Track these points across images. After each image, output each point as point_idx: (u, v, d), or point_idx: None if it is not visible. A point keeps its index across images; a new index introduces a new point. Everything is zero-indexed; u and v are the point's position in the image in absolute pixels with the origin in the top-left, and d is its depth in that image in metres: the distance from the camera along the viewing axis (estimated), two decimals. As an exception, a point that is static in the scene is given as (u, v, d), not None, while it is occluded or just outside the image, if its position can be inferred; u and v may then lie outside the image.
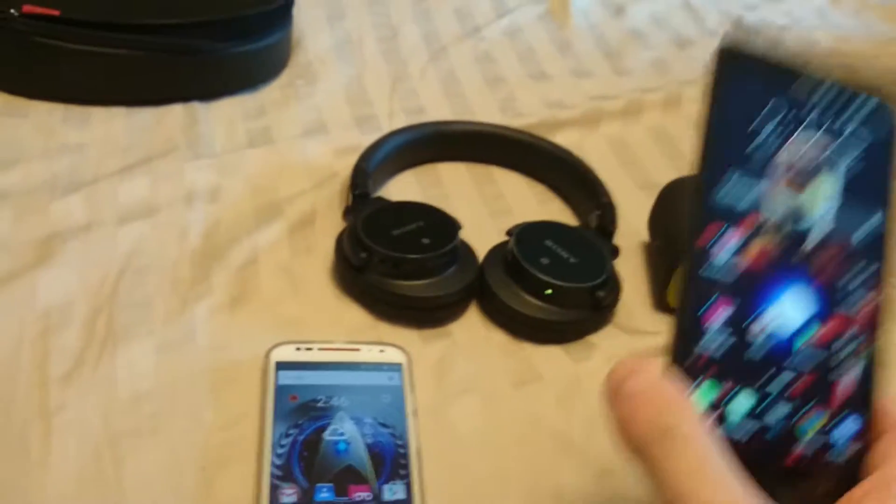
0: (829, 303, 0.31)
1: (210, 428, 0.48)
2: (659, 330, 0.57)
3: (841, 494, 0.29)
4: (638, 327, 0.57)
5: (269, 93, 0.73)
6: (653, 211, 0.61)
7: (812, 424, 0.30)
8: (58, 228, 0.58)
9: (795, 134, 0.32)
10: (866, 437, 0.30)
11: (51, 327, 0.51)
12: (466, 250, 0.57)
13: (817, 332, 0.30)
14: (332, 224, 0.60)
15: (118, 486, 0.44)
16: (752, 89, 0.32)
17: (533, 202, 0.66)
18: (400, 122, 0.71)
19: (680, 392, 0.28)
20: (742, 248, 0.30)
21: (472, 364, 0.54)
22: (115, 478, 0.45)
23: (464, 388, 0.52)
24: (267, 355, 0.50)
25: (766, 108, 0.32)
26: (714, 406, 0.29)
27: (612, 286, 0.56)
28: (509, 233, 0.57)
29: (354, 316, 0.55)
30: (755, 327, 0.30)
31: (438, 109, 0.74)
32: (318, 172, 0.65)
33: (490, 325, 0.56)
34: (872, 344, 0.31)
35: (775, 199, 0.31)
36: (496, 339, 0.55)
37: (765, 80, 0.32)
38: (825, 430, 0.30)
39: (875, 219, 0.32)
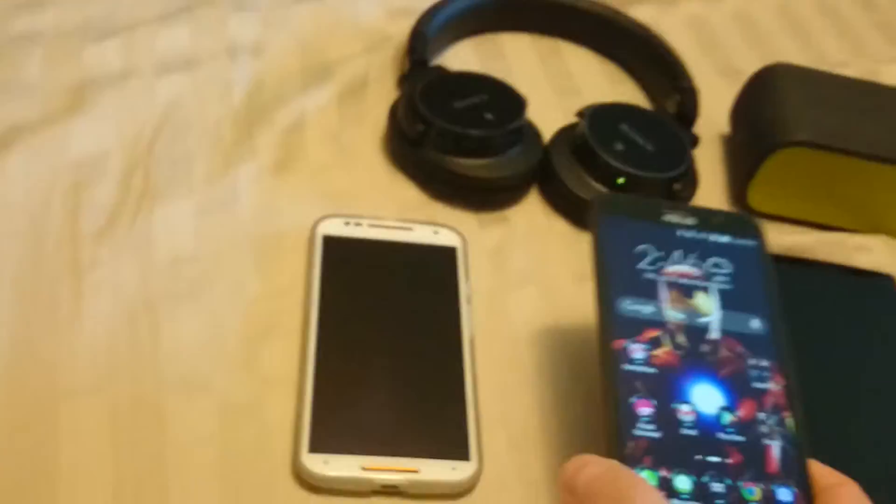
0: (740, 391, 0.34)
1: (254, 297, 0.45)
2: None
3: None
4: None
5: (321, -57, 0.67)
6: (737, 101, 0.56)
7: (752, 494, 0.32)
8: (92, 75, 0.54)
9: (670, 262, 0.36)
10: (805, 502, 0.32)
11: (83, 180, 0.48)
12: (531, 130, 0.53)
13: (736, 417, 0.33)
14: (385, 92, 0.56)
15: (153, 352, 0.42)
16: (627, 230, 0.37)
17: (604, 82, 0.61)
18: (462, -15, 0.65)
19: (637, 488, 0.29)
20: (651, 355, 0.34)
21: (531, 253, 0.50)
22: (150, 343, 0.42)
23: (521, 278, 0.49)
24: (314, 227, 0.47)
25: (642, 246, 0.37)
26: (661, 487, 0.32)
27: (690, 179, 0.51)
28: (580, 114, 0.52)
29: (407, 193, 0.51)
30: (681, 419, 0.33)
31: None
32: (371, 35, 0.60)
33: (551, 212, 0.52)
34: (787, 424, 0.33)
35: (667, 314, 0.35)
36: (558, 227, 0.51)
37: (635, 222, 0.37)
38: (768, 498, 0.32)
39: (755, 322, 0.36)
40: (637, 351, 0.34)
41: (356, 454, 0.39)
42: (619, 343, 0.34)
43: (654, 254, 0.36)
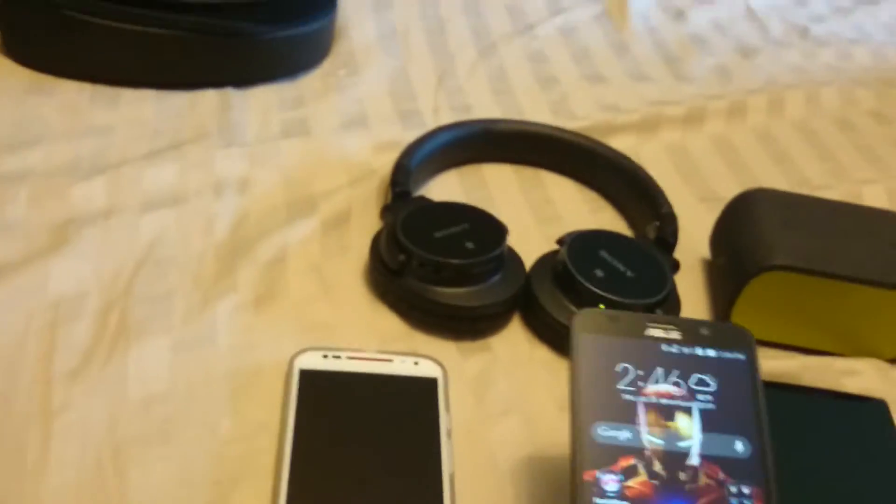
0: None
1: (226, 438, 0.43)
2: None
3: None
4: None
5: (308, 82, 0.69)
6: (717, 226, 0.56)
7: None
8: (76, 213, 0.54)
9: (650, 381, 0.35)
10: None
11: (60, 319, 0.48)
12: (513, 258, 0.53)
13: None
14: (368, 223, 0.56)
15: (120, 499, 0.40)
16: (606, 348, 0.35)
17: (584, 210, 0.61)
18: (445, 118, 0.66)
19: None
20: (624, 486, 0.33)
21: (514, 382, 0.49)
22: (117, 490, 0.41)
23: (504, 408, 0.47)
24: (291, 362, 0.46)
25: (622, 364, 0.35)
26: None
27: (672, 304, 0.51)
28: (560, 241, 0.53)
29: (388, 323, 0.51)
30: None
31: (486, 108, 0.70)
32: (356, 168, 0.61)
33: (534, 340, 0.51)
34: None
35: (644, 439, 0.34)
36: (540, 355, 0.51)
37: (616, 339, 0.36)
38: None
39: (739, 445, 0.34)
40: (610, 482, 0.33)
41: None
42: (591, 474, 0.33)
43: (634, 373, 0.35)
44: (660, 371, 0.35)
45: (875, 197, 0.66)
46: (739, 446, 0.34)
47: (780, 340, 0.52)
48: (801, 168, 0.69)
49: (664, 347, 0.36)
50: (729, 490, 0.33)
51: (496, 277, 0.51)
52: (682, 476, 0.33)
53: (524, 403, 0.48)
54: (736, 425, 0.34)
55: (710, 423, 0.34)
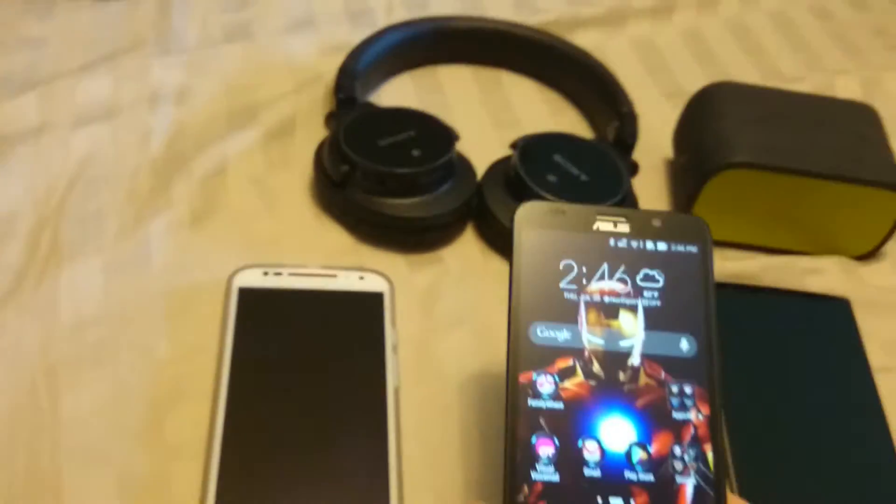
0: (655, 424, 0.31)
1: (162, 361, 0.42)
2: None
3: None
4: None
5: (253, -19, 0.65)
6: (679, 123, 0.54)
7: None
8: (6, 131, 0.52)
9: (595, 278, 0.33)
10: None
11: (-10, 241, 0.46)
12: (464, 165, 0.50)
13: (647, 453, 0.31)
14: (313, 133, 0.53)
15: (54, 422, 0.39)
16: (550, 243, 0.33)
17: (544, 112, 0.59)
18: (399, 16, 0.63)
19: None
20: (560, 388, 0.31)
21: (465, 294, 0.47)
22: (50, 412, 0.40)
23: (454, 320, 0.46)
24: (229, 280, 0.44)
25: (565, 260, 0.33)
26: None
27: (628, 207, 0.49)
28: (513, 146, 0.50)
29: (334, 237, 0.49)
30: (585, 457, 0.31)
31: (444, 3, 0.66)
32: (302, 73, 0.58)
33: (487, 250, 0.49)
34: (707, 457, 0.31)
35: (584, 340, 0.32)
36: (494, 266, 0.49)
37: (561, 233, 0.34)
38: None
39: (685, 343, 0.32)
40: (545, 384, 0.31)
41: (265, 524, 0.36)
42: (527, 376, 0.31)
43: (577, 269, 0.33)
44: (606, 267, 0.33)
45: (848, 87, 0.63)
46: (685, 344, 0.32)
47: (742, 240, 0.51)
48: (773, 59, 0.65)
49: (612, 242, 0.34)
50: (670, 390, 0.32)
51: (445, 186, 0.49)
52: (622, 376, 0.32)
53: (475, 316, 0.46)
54: (682, 322, 0.33)
55: (655, 320, 0.33)
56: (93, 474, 0.38)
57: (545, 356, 0.32)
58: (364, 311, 0.45)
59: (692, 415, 0.31)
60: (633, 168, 0.51)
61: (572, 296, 0.33)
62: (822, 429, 0.42)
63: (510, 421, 0.31)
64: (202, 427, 0.39)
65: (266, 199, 0.50)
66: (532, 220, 0.34)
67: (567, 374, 0.32)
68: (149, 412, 0.40)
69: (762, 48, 0.66)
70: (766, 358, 0.45)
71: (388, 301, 0.45)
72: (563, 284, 0.33)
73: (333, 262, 0.47)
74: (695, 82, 0.60)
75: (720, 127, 0.49)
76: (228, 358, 0.41)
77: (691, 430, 0.31)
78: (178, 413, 0.40)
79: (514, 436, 0.31)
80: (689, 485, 0.30)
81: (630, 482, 0.30)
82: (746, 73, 0.64)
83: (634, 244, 0.34)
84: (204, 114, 0.54)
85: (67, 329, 0.43)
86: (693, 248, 0.34)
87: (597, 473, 0.30)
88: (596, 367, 0.32)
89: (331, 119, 0.52)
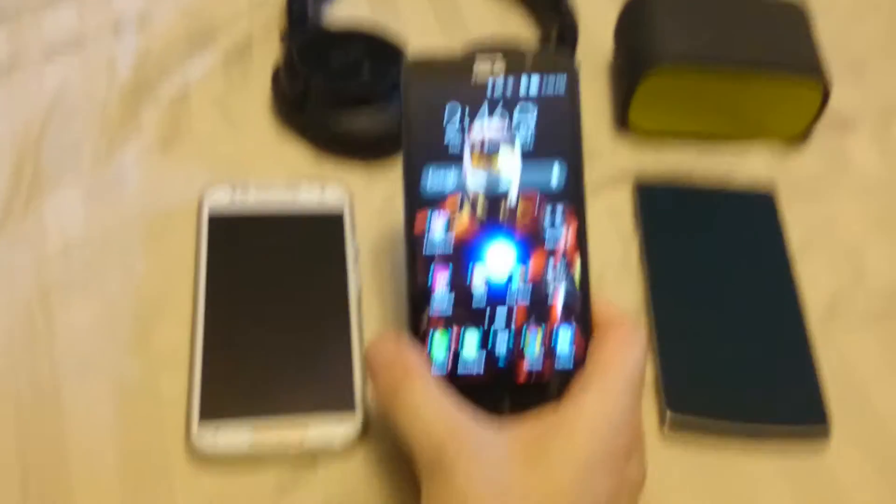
0: (533, 244, 0.36)
1: (144, 278, 0.46)
2: (619, 153, 0.54)
3: None
4: (597, 150, 0.53)
5: None
6: (616, 25, 0.56)
7: (533, 343, 0.36)
8: (-22, 68, 0.54)
9: (477, 118, 0.36)
10: (583, 339, 0.36)
11: (-26, 176, 0.49)
12: (414, 76, 0.53)
13: (525, 270, 0.36)
14: (270, 51, 0.56)
15: (50, 340, 0.44)
16: (435, 91, 0.36)
17: (492, 16, 0.61)
18: (348, -72, 0.64)
19: (408, 357, 0.35)
20: (451, 222, 0.36)
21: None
22: (46, 331, 0.44)
23: (410, 225, 0.50)
24: (200, 200, 0.48)
25: (449, 104, 0.36)
26: (450, 351, 0.36)
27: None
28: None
29: (296, 153, 0.52)
30: (474, 280, 0.36)
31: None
32: (257, -8, 0.60)
33: (440, 156, 0.53)
34: (574, 266, 0.36)
35: (469, 177, 0.36)
36: (446, 171, 0.52)
37: (445, 81, 0.36)
38: (547, 345, 0.36)
39: (556, 168, 0.36)
40: (438, 223, 0.36)
41: (246, 417, 0.41)
42: (422, 216, 0.36)
43: (461, 112, 0.36)
44: (485, 106, 0.36)
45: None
46: (556, 169, 0.36)
47: (678, 129, 0.54)
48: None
49: (490, 82, 0.36)
50: (543, 213, 0.36)
51: (397, 98, 0.51)
52: (503, 207, 0.36)
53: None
54: (553, 150, 0.36)
55: (530, 150, 0.36)
56: (89, 383, 0.42)
57: (436, 198, 0.36)
58: (326, 224, 0.48)
59: (562, 232, 0.36)
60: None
61: (456, 138, 0.36)
62: (741, 310, 0.47)
63: (409, 259, 0.36)
64: (185, 336, 0.44)
65: (228, 120, 0.53)
66: (417, 74, 0.37)
67: (456, 211, 0.36)
68: (135, 325, 0.44)
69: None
70: (693, 250, 0.49)
71: (347, 213, 0.49)
72: (447, 129, 0.36)
73: (296, 177, 0.50)
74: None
75: (652, 28, 0.52)
76: (204, 273, 0.45)
77: (562, 246, 0.36)
78: (161, 325, 0.45)
79: (414, 272, 0.36)
80: (560, 292, 0.36)
81: (512, 294, 0.36)
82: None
83: (511, 81, 0.36)
84: (165, 38, 0.57)
85: (55, 253, 0.47)
86: (562, 80, 0.37)
87: (483, 295, 0.36)
88: (480, 202, 0.36)
89: (285, 39, 0.55)
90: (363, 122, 0.51)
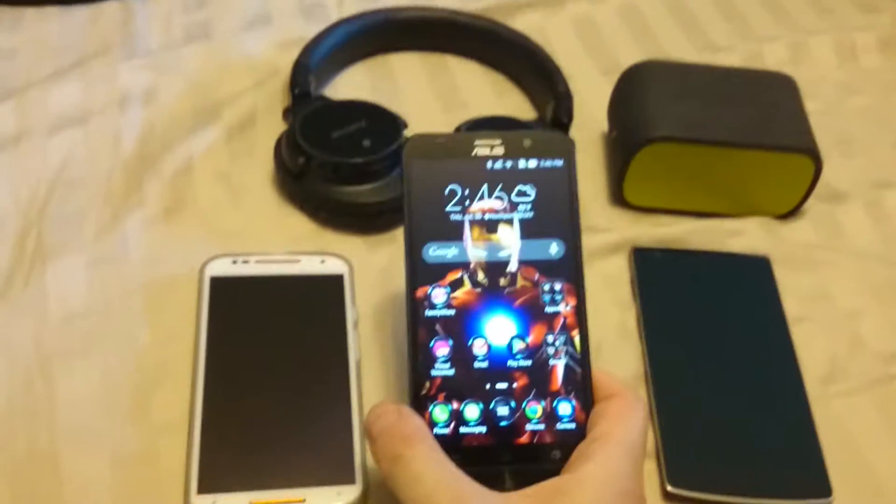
0: (532, 318, 0.37)
1: (144, 346, 0.46)
2: (615, 226, 0.55)
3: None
4: (593, 224, 0.54)
5: (210, -18, 0.68)
6: (610, 100, 0.58)
7: (535, 411, 0.36)
8: (-15, 140, 0.55)
9: (477, 198, 0.38)
10: (583, 412, 0.37)
11: (-21, 247, 0.50)
12: (413, 150, 0.54)
13: (525, 342, 0.37)
14: (273, 126, 0.57)
15: (49, 409, 0.44)
16: (436, 171, 0.38)
17: (490, 93, 0.62)
18: (350, 10, 0.66)
19: (409, 423, 0.35)
20: (452, 295, 0.37)
21: (419, 270, 0.52)
22: (46, 400, 0.44)
23: (409, 295, 0.50)
24: (201, 270, 0.49)
25: (450, 185, 0.38)
26: (452, 416, 0.36)
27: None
28: (458, 129, 0.54)
29: (297, 224, 0.53)
30: (475, 351, 0.37)
31: (392, -6, 0.69)
32: (260, 69, 0.62)
33: (439, 228, 0.54)
34: (574, 340, 0.37)
35: (470, 252, 0.37)
36: (444, 242, 0.53)
37: (445, 161, 0.38)
38: (548, 414, 0.36)
39: (554, 246, 0.38)
40: (439, 296, 0.37)
41: (243, 490, 0.41)
42: (423, 291, 0.37)
43: (461, 192, 0.38)
44: (485, 187, 0.38)
45: (776, 54, 0.67)
46: (554, 248, 0.38)
47: (672, 207, 0.55)
48: (706, 31, 0.69)
49: (489, 164, 0.38)
50: (543, 288, 0.37)
51: (396, 171, 0.53)
52: (503, 281, 0.37)
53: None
54: (552, 229, 0.38)
55: (528, 229, 0.38)
56: (88, 452, 0.42)
57: (437, 271, 0.37)
58: (326, 292, 0.49)
59: (562, 307, 0.37)
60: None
61: (458, 217, 0.37)
62: (740, 377, 0.47)
63: (411, 330, 0.36)
64: (184, 405, 0.44)
65: (231, 192, 0.54)
66: (419, 151, 0.38)
67: (457, 285, 0.37)
68: (135, 394, 0.44)
69: (696, 20, 0.70)
70: (690, 314, 0.49)
71: (347, 282, 0.49)
72: (448, 207, 0.37)
73: (297, 248, 0.51)
74: (632, 57, 0.64)
75: (644, 104, 0.53)
76: (204, 341, 0.46)
77: (561, 320, 0.37)
78: (161, 394, 0.45)
79: (415, 342, 0.36)
80: (560, 365, 0.37)
81: (512, 368, 0.36)
82: (680, 46, 0.68)
83: (509, 164, 0.38)
84: (170, 113, 0.58)
85: (56, 322, 0.47)
86: (559, 162, 0.38)
87: (485, 365, 0.36)
88: (480, 276, 0.37)
89: (287, 114, 0.56)
90: (363, 195, 0.52)
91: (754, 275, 0.52)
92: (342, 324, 0.47)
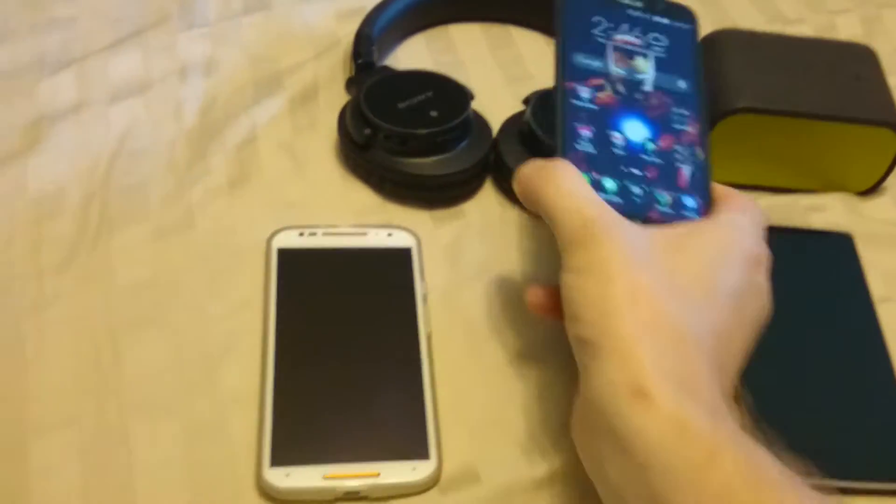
0: (662, 128, 0.41)
1: (213, 317, 0.46)
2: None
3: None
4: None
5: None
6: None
7: (664, 198, 0.40)
8: (46, 110, 0.55)
9: (619, 31, 0.43)
10: (707, 210, 0.40)
11: (43, 216, 0.49)
12: (480, 122, 0.53)
13: (656, 146, 0.40)
14: (335, 97, 0.56)
15: (118, 380, 0.43)
16: (584, 3, 0.43)
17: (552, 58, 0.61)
18: (409, -21, 0.65)
19: (559, 162, 0.38)
20: (596, 93, 0.41)
21: (487, 245, 0.50)
22: (114, 371, 0.43)
23: (478, 270, 0.49)
24: (268, 242, 0.48)
25: (596, 15, 0.43)
26: (593, 184, 0.39)
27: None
28: (525, 101, 0.53)
29: (362, 196, 0.52)
30: (613, 139, 0.40)
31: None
32: (321, 39, 0.60)
33: (506, 203, 0.52)
34: (697, 152, 0.41)
35: (612, 67, 0.42)
36: (512, 217, 0.52)
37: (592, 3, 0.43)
38: (676, 201, 0.40)
39: (682, 83, 0.42)
40: (584, 91, 0.41)
41: (317, 464, 0.40)
42: (571, 84, 0.41)
43: (605, 24, 0.43)
44: (625, 26, 0.43)
45: (848, 27, 0.65)
46: (682, 84, 0.42)
47: (749, 181, 0.53)
48: (775, 2, 0.67)
49: (629, 11, 0.44)
50: (672, 110, 0.41)
51: (463, 144, 0.51)
52: (639, 96, 0.41)
53: (497, 264, 0.49)
54: (680, 71, 0.43)
55: (661, 65, 0.42)
56: (157, 425, 0.42)
57: (584, 74, 0.41)
58: (394, 265, 0.48)
59: (688, 127, 0.41)
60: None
61: (601, 40, 0.42)
62: (827, 358, 0.45)
63: (559, 111, 0.40)
64: (255, 377, 0.43)
65: (295, 163, 0.53)
66: None
67: (599, 88, 0.41)
68: (205, 366, 0.44)
69: (765, -10, 0.68)
70: (776, 292, 0.48)
71: (415, 255, 0.48)
72: (595, 31, 0.43)
73: (362, 221, 0.50)
74: (702, 27, 0.62)
75: (723, 74, 0.51)
76: (273, 313, 0.45)
77: (687, 137, 0.41)
78: (231, 365, 0.44)
79: (563, 121, 0.40)
80: (685, 168, 0.40)
81: (644, 161, 0.40)
82: (750, 16, 0.66)
83: (646, 15, 0.44)
84: (231, 84, 0.57)
85: (123, 292, 0.46)
86: (686, 25, 0.44)
87: (621, 152, 0.40)
88: (620, 87, 0.41)
89: (351, 84, 0.55)
90: (429, 167, 0.51)
91: (837, 252, 0.50)
92: (412, 297, 0.46)
